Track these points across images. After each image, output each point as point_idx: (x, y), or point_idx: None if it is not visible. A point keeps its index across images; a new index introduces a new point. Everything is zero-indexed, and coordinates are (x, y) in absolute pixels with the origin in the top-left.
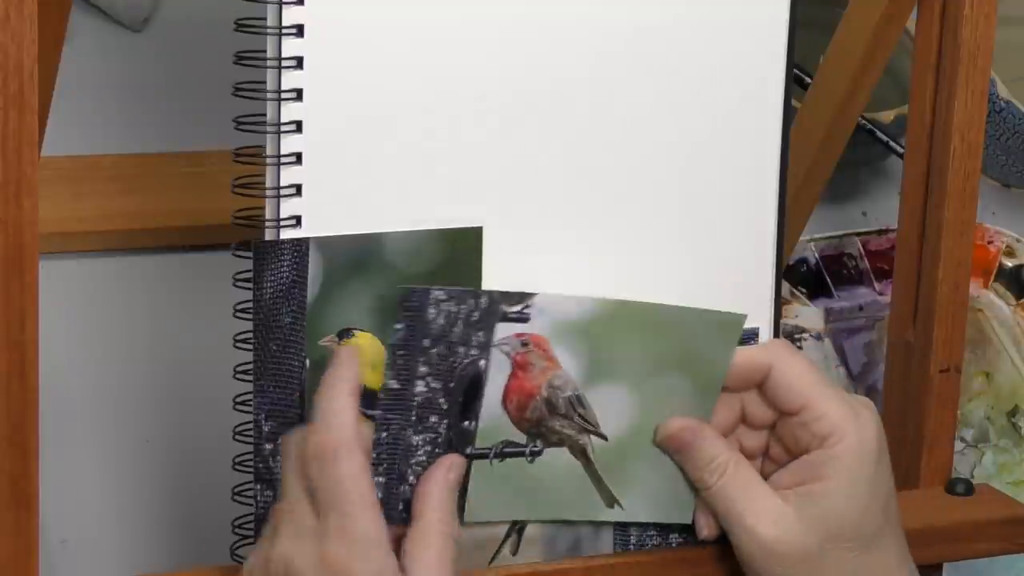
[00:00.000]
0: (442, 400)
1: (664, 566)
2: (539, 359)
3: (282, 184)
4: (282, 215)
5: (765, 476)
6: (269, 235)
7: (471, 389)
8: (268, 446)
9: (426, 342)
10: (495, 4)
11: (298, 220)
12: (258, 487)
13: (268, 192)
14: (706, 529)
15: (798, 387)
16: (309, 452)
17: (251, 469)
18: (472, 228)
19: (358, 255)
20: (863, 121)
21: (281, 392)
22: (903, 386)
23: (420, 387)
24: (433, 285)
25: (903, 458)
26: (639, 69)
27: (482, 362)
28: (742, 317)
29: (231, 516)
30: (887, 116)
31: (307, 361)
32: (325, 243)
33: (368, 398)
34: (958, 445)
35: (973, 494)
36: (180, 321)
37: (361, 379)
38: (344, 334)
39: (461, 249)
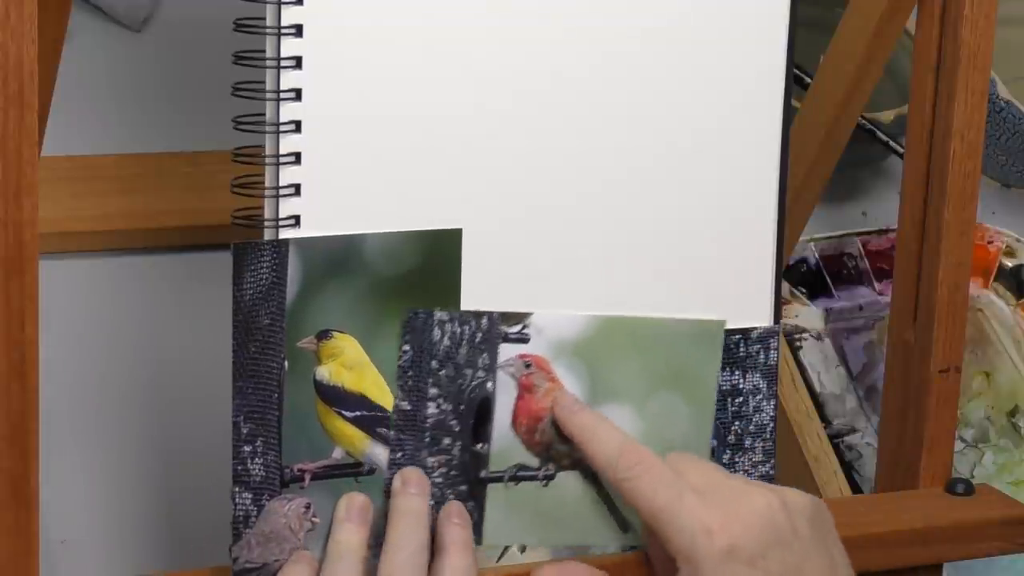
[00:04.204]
0: (453, 422)
1: None
2: (542, 380)
3: (281, 184)
4: (281, 215)
5: None
6: (268, 235)
7: (481, 412)
8: (247, 448)
9: (434, 364)
10: (494, 4)
11: (297, 220)
12: (236, 490)
13: (267, 192)
14: None
15: (646, 512)
16: None
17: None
18: (452, 230)
19: (337, 256)
20: (863, 121)
21: (260, 394)
22: (903, 386)
23: (432, 408)
24: (436, 309)
25: (903, 458)
26: (639, 69)
27: (489, 384)
28: (722, 323)
29: (231, 516)
30: (887, 116)
31: (286, 363)
32: (305, 244)
33: (347, 400)
34: (958, 445)
35: (973, 494)
36: (180, 321)
37: (339, 380)
38: (323, 335)
39: (440, 251)
